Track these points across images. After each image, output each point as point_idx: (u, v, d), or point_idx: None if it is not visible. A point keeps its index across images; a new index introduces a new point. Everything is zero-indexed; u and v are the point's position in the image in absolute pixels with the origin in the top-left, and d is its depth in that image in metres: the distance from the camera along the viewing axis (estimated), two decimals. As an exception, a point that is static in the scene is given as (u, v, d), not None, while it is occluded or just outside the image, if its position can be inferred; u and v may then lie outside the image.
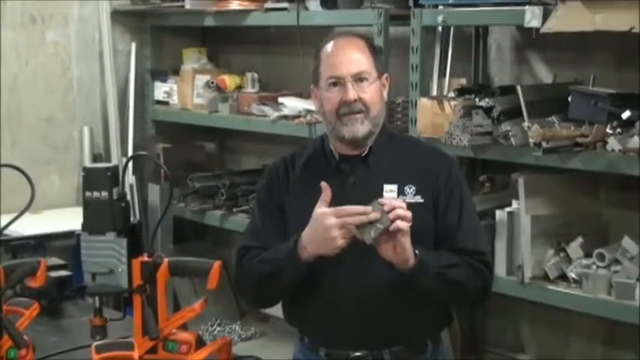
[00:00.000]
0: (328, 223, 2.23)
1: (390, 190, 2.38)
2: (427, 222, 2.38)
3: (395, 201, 2.24)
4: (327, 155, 2.47)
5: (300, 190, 2.44)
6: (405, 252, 2.23)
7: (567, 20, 3.18)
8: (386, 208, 2.19)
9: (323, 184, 2.29)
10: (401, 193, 2.38)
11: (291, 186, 2.47)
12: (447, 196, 2.41)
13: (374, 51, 2.45)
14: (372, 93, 2.39)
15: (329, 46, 2.43)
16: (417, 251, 2.27)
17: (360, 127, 2.38)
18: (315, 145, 2.53)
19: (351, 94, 2.35)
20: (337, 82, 2.37)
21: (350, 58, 2.38)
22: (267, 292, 2.46)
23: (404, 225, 2.20)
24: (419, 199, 2.38)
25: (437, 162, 2.46)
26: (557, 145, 3.25)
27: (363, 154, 2.44)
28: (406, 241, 2.23)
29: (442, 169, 2.44)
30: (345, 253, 2.32)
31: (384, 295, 2.37)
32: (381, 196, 2.35)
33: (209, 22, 4.89)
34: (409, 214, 2.21)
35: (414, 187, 2.39)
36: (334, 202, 2.37)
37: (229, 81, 4.93)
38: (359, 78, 2.37)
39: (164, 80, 5.29)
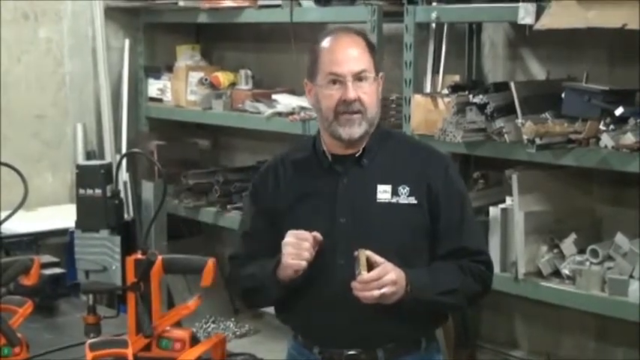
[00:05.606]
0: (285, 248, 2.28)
1: (383, 191, 2.37)
2: (421, 222, 2.37)
3: (370, 273, 2.20)
4: (319, 156, 2.44)
5: (292, 192, 2.43)
6: (388, 300, 2.24)
7: (560, 17, 3.18)
8: (361, 279, 2.19)
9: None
10: (394, 193, 2.37)
11: (283, 189, 2.45)
12: (446, 196, 2.39)
13: (372, 49, 2.43)
14: (371, 93, 2.37)
15: (329, 42, 2.38)
16: (409, 286, 2.26)
17: (357, 129, 2.36)
18: (307, 146, 2.50)
19: (352, 93, 2.33)
20: (337, 79, 2.34)
21: (351, 56, 2.35)
22: (255, 303, 2.51)
23: (366, 298, 2.20)
24: (412, 200, 2.37)
25: (432, 162, 2.44)
26: (551, 142, 3.25)
27: (357, 155, 2.42)
28: (388, 298, 2.23)
29: (439, 169, 2.42)
30: (338, 252, 2.33)
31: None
32: (375, 196, 2.36)
33: (202, 18, 4.88)
34: (376, 292, 2.20)
35: (407, 188, 2.37)
36: (327, 203, 2.37)
37: (223, 78, 4.93)
38: (359, 77, 2.34)
39: (157, 77, 5.28)
